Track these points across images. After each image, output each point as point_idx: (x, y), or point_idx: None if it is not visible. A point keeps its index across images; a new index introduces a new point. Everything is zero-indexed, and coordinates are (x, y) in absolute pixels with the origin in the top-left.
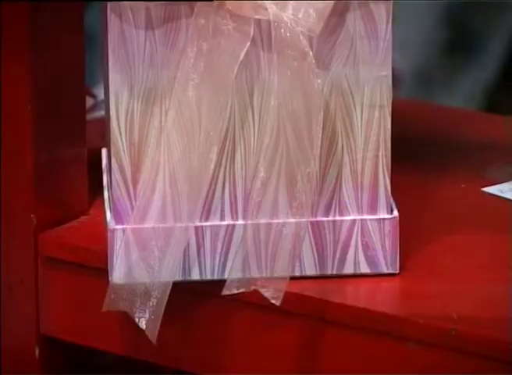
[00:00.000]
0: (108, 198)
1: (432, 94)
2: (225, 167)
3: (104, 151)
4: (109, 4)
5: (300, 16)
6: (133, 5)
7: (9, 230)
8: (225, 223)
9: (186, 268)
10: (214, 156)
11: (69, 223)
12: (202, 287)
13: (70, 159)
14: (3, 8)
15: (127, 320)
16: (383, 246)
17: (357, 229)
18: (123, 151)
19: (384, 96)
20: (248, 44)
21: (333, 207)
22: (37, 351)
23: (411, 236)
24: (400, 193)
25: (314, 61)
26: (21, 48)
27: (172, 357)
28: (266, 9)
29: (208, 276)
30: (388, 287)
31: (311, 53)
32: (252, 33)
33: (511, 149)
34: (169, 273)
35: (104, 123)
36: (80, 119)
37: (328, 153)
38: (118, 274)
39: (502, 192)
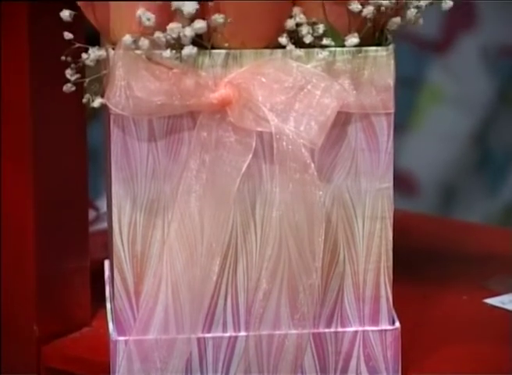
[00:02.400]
0: (111, 309)
1: (454, 209)
2: (228, 279)
3: (106, 262)
4: (112, 116)
5: (301, 128)
6: (135, 117)
7: (12, 342)
8: (227, 334)
9: None
10: (216, 268)
11: (72, 335)
12: None
13: (73, 271)
14: (4, 117)
15: None
16: (385, 357)
17: (358, 340)
18: (126, 262)
19: (385, 208)
20: (250, 156)
21: (335, 318)
22: None
23: (413, 347)
24: (401, 303)
25: (315, 173)
26: (23, 160)
27: None
28: (268, 122)
29: None
30: None
31: (312, 165)
32: (254, 145)
33: None
34: None
35: (107, 234)
36: (82, 232)
37: (330, 264)
38: None
39: (503, 304)
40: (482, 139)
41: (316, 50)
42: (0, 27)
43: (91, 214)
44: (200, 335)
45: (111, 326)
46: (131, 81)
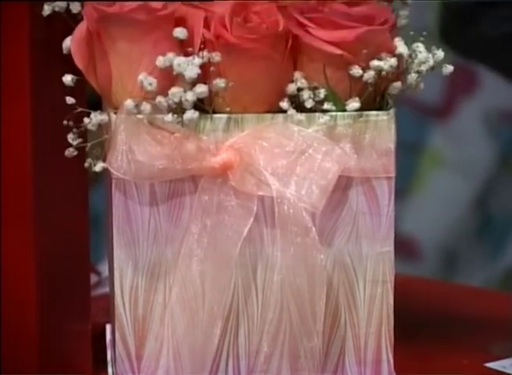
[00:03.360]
0: (113, 373)
1: (456, 273)
2: (229, 342)
3: (108, 326)
4: (114, 180)
5: (303, 192)
6: (137, 181)
7: None
8: None
9: None
10: (217, 331)
11: None
12: None
13: (75, 335)
14: (5, 182)
15: None
16: None
17: None
18: (127, 326)
19: (386, 271)
20: (251, 220)
21: None
22: None
23: None
24: (402, 367)
25: (316, 237)
26: (25, 225)
27: None
28: (269, 186)
29: None
30: None
31: (313, 229)
32: (255, 209)
33: None
34: None
35: (109, 299)
36: (84, 296)
37: (332, 328)
38: None
39: (504, 368)
40: (483, 204)
41: (317, 114)
42: (1, 83)
43: (93, 278)
44: None
45: None
46: (133, 145)
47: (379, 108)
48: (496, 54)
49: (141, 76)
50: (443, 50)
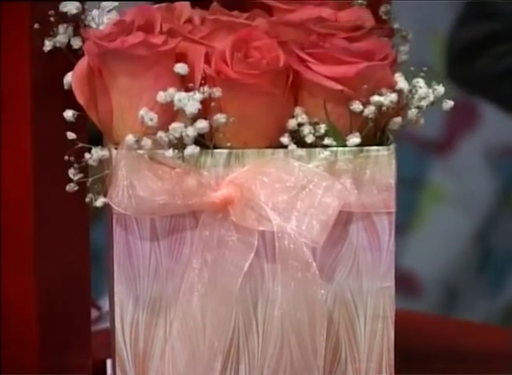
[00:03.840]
0: None
1: (456, 308)
2: None
3: (108, 362)
4: (115, 216)
5: (303, 227)
6: (138, 216)
7: None
8: None
9: None
10: (218, 366)
11: None
12: None
13: (75, 370)
14: (6, 218)
15: None
16: None
17: None
18: (128, 361)
19: (387, 307)
20: (252, 255)
21: None
22: None
23: None
24: None
25: (317, 272)
26: (26, 260)
27: None
28: (270, 221)
29: None
30: None
31: (314, 264)
32: (256, 244)
33: None
34: None
35: (109, 334)
36: (85, 331)
37: (332, 363)
38: None
39: None
40: (484, 239)
41: (318, 150)
42: (2, 118)
43: (94, 313)
44: None
45: None
46: (134, 181)
47: (380, 144)
48: (499, 88)
49: (142, 112)
50: (444, 85)
